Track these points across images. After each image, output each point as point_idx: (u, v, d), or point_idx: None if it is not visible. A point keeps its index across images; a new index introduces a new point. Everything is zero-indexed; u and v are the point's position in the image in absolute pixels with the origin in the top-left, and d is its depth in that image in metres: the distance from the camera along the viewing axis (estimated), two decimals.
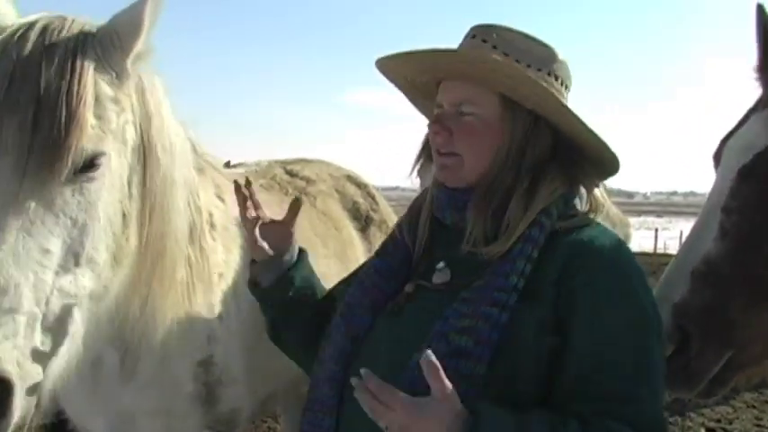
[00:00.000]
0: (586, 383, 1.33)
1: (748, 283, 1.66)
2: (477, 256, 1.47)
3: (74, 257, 1.54)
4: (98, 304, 1.67)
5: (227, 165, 3.25)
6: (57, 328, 1.51)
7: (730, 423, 6.08)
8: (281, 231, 1.82)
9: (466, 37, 1.56)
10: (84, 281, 1.57)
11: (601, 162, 1.56)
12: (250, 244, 1.85)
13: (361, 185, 3.76)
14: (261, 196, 2.96)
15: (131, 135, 1.70)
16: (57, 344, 1.52)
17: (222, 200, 2.59)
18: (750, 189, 1.79)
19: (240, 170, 3.32)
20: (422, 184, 2.90)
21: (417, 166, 3.20)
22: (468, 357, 1.34)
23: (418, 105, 1.80)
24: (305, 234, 3.02)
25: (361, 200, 3.62)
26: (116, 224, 1.66)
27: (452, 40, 1.62)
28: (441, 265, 1.54)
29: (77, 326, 1.58)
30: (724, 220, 1.79)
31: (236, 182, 1.88)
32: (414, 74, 1.64)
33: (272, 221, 1.85)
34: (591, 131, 1.48)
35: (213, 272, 2.30)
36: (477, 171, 1.51)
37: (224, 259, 2.42)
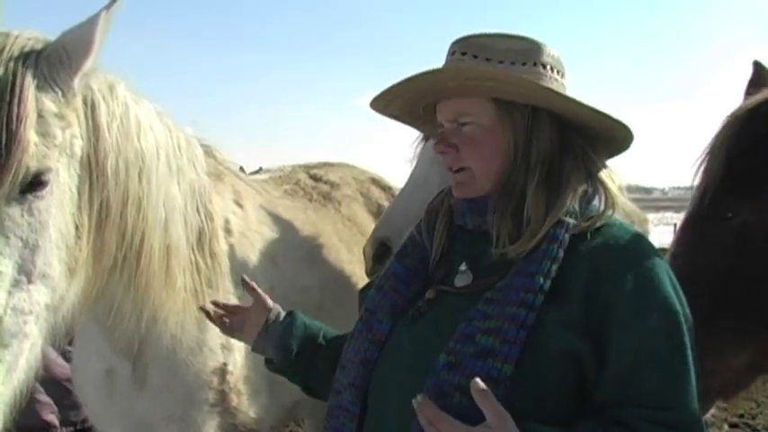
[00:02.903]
0: (627, 387, 1.25)
1: (700, 324, 1.54)
2: (499, 257, 1.39)
3: (26, 275, 1.50)
4: (55, 314, 1.62)
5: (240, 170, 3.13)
6: (14, 343, 1.48)
7: (753, 418, 5.82)
8: (254, 307, 1.78)
9: (447, 55, 1.51)
10: (38, 296, 1.53)
11: (613, 139, 1.48)
12: (237, 336, 1.82)
13: (385, 188, 3.63)
14: (284, 202, 2.85)
15: (79, 148, 1.64)
16: (16, 357, 1.49)
17: (241, 206, 2.49)
18: (689, 236, 1.92)
19: (263, 176, 3.21)
20: (418, 159, 2.80)
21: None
22: (495, 357, 1.25)
23: (426, 131, 1.80)
24: (330, 240, 2.89)
25: (386, 203, 3.48)
26: (69, 237, 1.61)
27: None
28: (463, 267, 1.46)
29: (35, 338, 1.54)
30: (671, 263, 1.79)
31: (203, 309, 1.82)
32: (410, 105, 1.59)
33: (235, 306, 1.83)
34: (587, 106, 1.40)
35: (227, 278, 2.17)
36: (490, 177, 1.44)
37: (241, 265, 2.27)
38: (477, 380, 1.16)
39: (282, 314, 1.74)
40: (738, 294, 1.79)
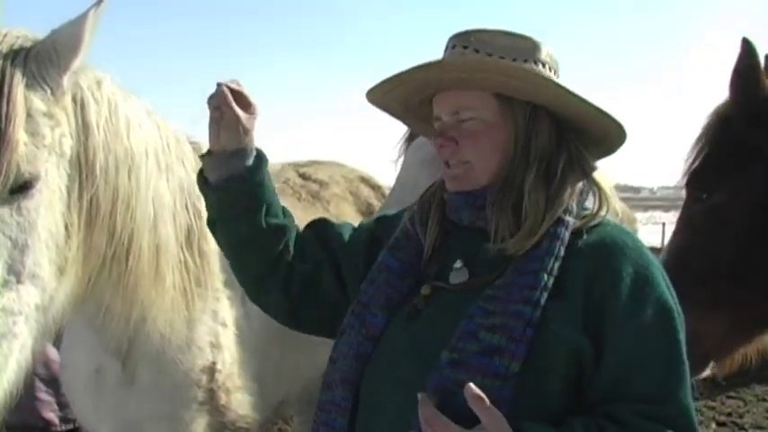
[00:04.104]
0: (622, 383, 1.27)
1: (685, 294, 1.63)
2: (496, 252, 1.39)
3: (16, 276, 1.49)
4: (45, 314, 1.62)
5: None
6: (4, 344, 1.48)
7: (741, 417, 5.87)
8: (242, 126, 1.53)
9: (446, 49, 1.50)
10: (27, 296, 1.52)
11: (604, 139, 1.49)
12: (210, 132, 1.55)
13: (375, 187, 3.62)
14: None
15: (68, 147, 1.64)
16: (5, 358, 1.49)
17: None
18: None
19: None
20: (404, 161, 2.89)
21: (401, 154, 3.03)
22: (501, 354, 1.25)
23: (417, 128, 1.76)
24: None
25: (375, 202, 3.48)
26: (58, 236, 1.60)
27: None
28: (458, 264, 1.45)
29: (25, 338, 1.54)
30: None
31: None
32: (406, 96, 1.56)
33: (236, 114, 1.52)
34: (592, 105, 1.40)
35: (217, 277, 2.17)
36: (489, 171, 1.44)
37: (230, 264, 2.26)
38: (472, 385, 1.17)
39: (252, 156, 1.55)
40: (712, 268, 2.00)
